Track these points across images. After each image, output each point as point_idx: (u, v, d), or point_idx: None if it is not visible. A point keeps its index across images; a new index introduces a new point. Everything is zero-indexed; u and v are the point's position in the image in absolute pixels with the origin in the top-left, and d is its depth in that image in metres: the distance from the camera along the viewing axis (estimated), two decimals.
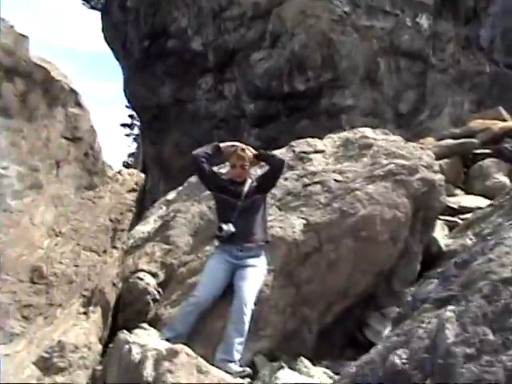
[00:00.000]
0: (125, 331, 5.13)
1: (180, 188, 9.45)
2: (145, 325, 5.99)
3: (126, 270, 7.27)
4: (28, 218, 6.54)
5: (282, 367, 5.60)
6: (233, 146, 6.72)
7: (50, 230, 6.53)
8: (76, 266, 6.11)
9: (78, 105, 7.82)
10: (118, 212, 6.93)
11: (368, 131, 8.80)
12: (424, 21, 20.42)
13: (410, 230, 6.94)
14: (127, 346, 4.75)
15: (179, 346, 4.47)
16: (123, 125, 37.30)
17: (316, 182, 7.64)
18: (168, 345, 4.66)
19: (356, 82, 20.46)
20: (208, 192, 8.49)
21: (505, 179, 10.92)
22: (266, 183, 6.69)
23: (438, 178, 7.29)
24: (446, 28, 20.69)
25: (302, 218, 6.97)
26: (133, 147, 37.32)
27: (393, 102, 20.43)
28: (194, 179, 9.29)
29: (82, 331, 5.64)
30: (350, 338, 6.91)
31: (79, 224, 6.65)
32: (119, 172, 7.57)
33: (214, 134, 21.82)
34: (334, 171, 7.78)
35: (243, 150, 6.66)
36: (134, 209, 7.17)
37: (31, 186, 7.07)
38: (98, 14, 26.27)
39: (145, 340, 4.81)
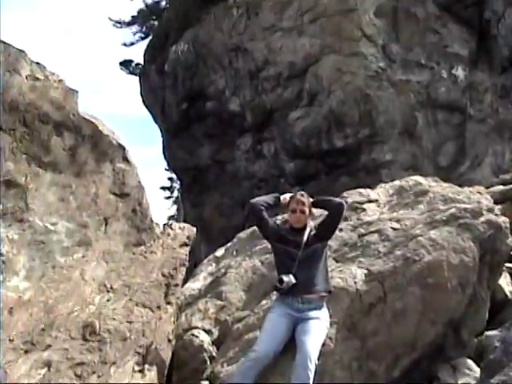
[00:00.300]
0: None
1: (228, 244, 9.10)
2: (206, 382, 5.56)
3: (179, 328, 6.88)
4: (79, 274, 6.26)
5: None
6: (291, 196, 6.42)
7: (102, 286, 6.23)
8: (129, 322, 5.76)
9: (126, 160, 7.60)
10: (170, 267, 6.60)
11: (420, 179, 8.43)
12: (460, 72, 20.10)
13: (478, 275, 6.48)
14: None
15: None
16: (163, 188, 37.10)
17: (372, 232, 7.26)
18: None
19: (394, 136, 20.09)
20: (260, 246, 8.18)
21: None
22: (326, 230, 6.32)
23: (503, 220, 6.85)
24: (482, 78, 20.34)
25: (363, 268, 6.56)
26: (173, 210, 37.07)
27: (432, 155, 19.99)
28: (243, 235, 8.99)
29: None
30: None
31: (131, 279, 6.33)
32: (170, 226, 7.27)
33: (255, 193, 21.36)
34: (390, 219, 7.39)
35: (303, 195, 6.32)
36: (187, 263, 6.83)
37: (80, 243, 6.82)
38: (135, 79, 26.45)
39: None
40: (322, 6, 20.06)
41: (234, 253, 8.53)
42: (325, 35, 20.07)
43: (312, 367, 5.50)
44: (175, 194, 36.21)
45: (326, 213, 6.55)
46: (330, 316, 6.03)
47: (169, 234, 7.07)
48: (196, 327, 6.96)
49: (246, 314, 7.02)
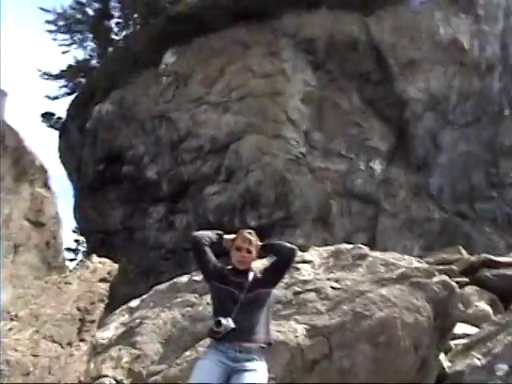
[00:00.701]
0: None
1: (144, 296, 8.07)
2: None
3: (86, 376, 5.80)
4: None
5: None
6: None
7: (5, 313, 5.16)
8: (34, 355, 4.70)
9: (47, 186, 6.66)
10: (87, 301, 5.62)
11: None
12: (377, 165, 20.11)
13: (429, 339, 5.76)
14: None
15: None
16: (68, 249, 35.13)
17: (309, 290, 6.48)
18: None
19: (308, 221, 19.72)
20: (180, 299, 7.27)
21: (487, 307, 10.06)
22: (274, 275, 5.47)
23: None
24: (397, 174, 20.41)
25: (303, 324, 5.74)
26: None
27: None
28: (161, 287, 8.01)
29: None
30: None
31: (40, 309, 5.30)
32: (89, 259, 6.29)
33: (162, 264, 20.56)
34: (328, 279, 6.64)
35: (250, 233, 5.49)
36: (106, 299, 5.85)
37: None
38: (55, 134, 25.37)
39: None
40: (250, 85, 19.87)
41: (151, 304, 7.53)
42: (250, 114, 19.81)
43: None
44: (79, 257, 34.37)
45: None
46: (269, 371, 5.12)
47: (87, 267, 6.09)
48: (106, 375, 5.90)
49: (163, 367, 6.04)
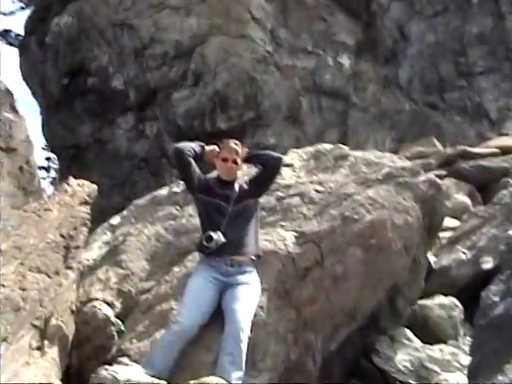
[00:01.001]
0: (107, 367, 3.54)
1: (124, 212, 7.86)
2: (124, 359, 4.41)
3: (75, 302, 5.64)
4: None
5: None
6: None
7: None
8: (22, 289, 4.50)
9: (14, 110, 6.30)
10: (69, 226, 5.38)
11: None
12: (345, 60, 19.71)
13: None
14: None
15: (215, 379, 2.94)
16: (40, 167, 34.47)
17: (293, 195, 6.32)
18: None
19: (278, 120, 19.44)
20: (162, 212, 7.09)
21: (466, 199, 10.07)
22: (260, 184, 5.32)
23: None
24: (366, 68, 20.05)
25: (291, 231, 5.60)
26: (50, 191, 34.60)
27: (315, 141, 19.31)
28: (141, 201, 7.80)
29: (40, 371, 4.01)
30: (351, 367, 5.55)
31: (22, 240, 5.07)
32: (67, 182, 6.02)
33: (135, 174, 20.27)
34: (311, 182, 6.48)
35: (236, 143, 5.27)
36: (88, 223, 5.62)
37: None
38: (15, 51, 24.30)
39: (139, 377, 3.24)
40: None
41: (133, 220, 7.34)
42: (213, 16, 19.15)
43: (245, 339, 4.52)
44: (52, 174, 33.78)
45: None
46: (261, 282, 5.02)
47: (66, 191, 5.83)
48: (96, 299, 5.77)
49: (152, 284, 5.93)
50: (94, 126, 20.75)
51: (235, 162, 5.18)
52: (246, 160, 5.37)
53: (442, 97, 20.26)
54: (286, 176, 6.90)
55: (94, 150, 20.74)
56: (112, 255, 6.62)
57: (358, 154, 6.91)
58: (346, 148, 7.14)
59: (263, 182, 5.35)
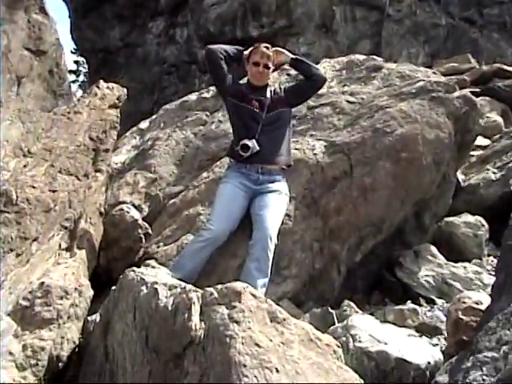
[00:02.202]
0: (135, 268, 3.55)
1: (153, 116, 7.80)
2: (151, 261, 4.43)
3: (104, 204, 5.66)
4: None
5: (329, 313, 4.22)
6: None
7: (17, 149, 4.92)
8: (53, 191, 4.50)
9: (43, 11, 6.13)
10: (99, 129, 5.32)
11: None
12: None
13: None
14: (147, 288, 3.17)
15: (240, 284, 2.93)
16: (69, 71, 34.34)
17: (324, 104, 6.19)
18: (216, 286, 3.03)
19: (310, 29, 19.01)
20: (191, 118, 7.01)
21: (498, 118, 9.83)
22: (297, 96, 5.16)
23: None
24: None
25: (321, 140, 5.51)
26: (79, 94, 34.55)
27: (347, 51, 18.97)
28: (170, 106, 7.71)
29: (69, 271, 4.05)
30: (374, 279, 5.56)
31: (52, 143, 5.05)
32: (97, 85, 5.93)
33: (164, 79, 20.11)
34: (343, 93, 6.32)
35: (267, 47, 5.10)
36: (118, 126, 5.57)
37: None
38: None
39: (166, 279, 3.25)
40: None
41: (162, 125, 7.27)
42: None
43: (272, 246, 4.48)
44: (81, 78, 33.65)
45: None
46: (289, 190, 4.97)
47: (96, 94, 5.74)
48: (124, 202, 5.78)
49: (180, 189, 5.92)
50: (123, 29, 20.52)
51: (266, 67, 5.01)
52: (291, 64, 5.21)
53: (481, 12, 19.56)
54: None
55: (123, 54, 20.56)
56: (140, 159, 6.60)
57: (392, 66, 6.72)
58: (379, 59, 6.93)
59: (302, 94, 5.20)
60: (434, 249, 5.66)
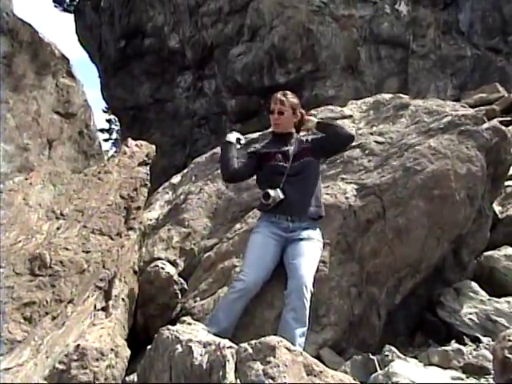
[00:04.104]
0: (169, 327, 3.53)
1: (185, 170, 7.85)
2: (187, 318, 4.42)
3: (138, 262, 5.68)
4: (21, 199, 5.03)
5: (370, 359, 4.13)
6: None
7: (50, 212, 5.00)
8: (86, 251, 4.54)
9: (70, 75, 6.28)
10: (130, 188, 5.39)
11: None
12: (403, 7, 19.12)
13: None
14: (181, 347, 3.14)
15: (275, 339, 2.89)
16: (101, 130, 34.81)
17: (353, 147, 6.13)
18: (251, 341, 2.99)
19: (337, 72, 19.11)
20: None
21: None
22: (324, 151, 5.12)
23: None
24: (424, 13, 19.41)
25: (352, 183, 5.48)
26: (111, 153, 35.04)
27: (375, 91, 19.01)
28: (200, 159, 7.75)
29: (105, 332, 4.05)
30: (415, 321, 5.46)
31: (84, 203, 5.12)
32: (126, 144, 6.02)
33: (196, 132, 20.34)
34: (371, 133, 6.30)
35: (285, 94, 5.09)
36: (148, 183, 5.62)
37: (21, 168, 5.54)
38: (71, 17, 24.36)
39: (201, 336, 3.22)
40: None
41: (193, 178, 7.30)
42: None
43: (308, 295, 4.40)
44: (114, 135, 34.19)
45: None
46: (322, 237, 4.92)
47: (125, 153, 5.83)
48: (159, 258, 5.79)
49: (214, 242, 5.90)
50: (152, 86, 20.89)
51: (281, 113, 5.02)
52: (317, 128, 5.21)
53: (506, 40, 19.46)
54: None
55: (153, 110, 20.89)
56: (174, 214, 6.62)
57: (419, 102, 6.67)
58: (405, 97, 6.90)
59: (328, 152, 5.19)
60: (475, 285, 5.54)
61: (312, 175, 4.96)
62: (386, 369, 3.77)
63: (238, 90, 19.45)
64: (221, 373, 2.74)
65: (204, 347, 3.01)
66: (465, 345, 4.94)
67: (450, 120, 5.70)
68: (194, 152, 18.75)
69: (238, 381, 2.69)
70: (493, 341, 4.88)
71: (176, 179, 7.72)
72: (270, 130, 5.53)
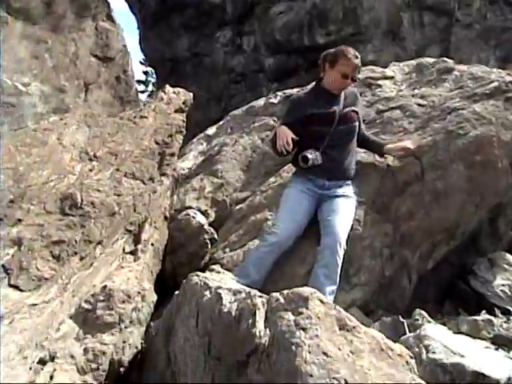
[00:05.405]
0: (198, 273, 3.43)
1: (221, 122, 7.72)
2: (217, 267, 4.31)
3: (170, 209, 5.58)
4: (55, 138, 4.93)
5: (399, 322, 4.02)
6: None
7: (83, 153, 4.91)
8: (118, 194, 4.45)
9: (110, 19, 6.15)
10: (165, 134, 5.26)
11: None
12: None
13: None
14: (210, 293, 3.04)
15: (308, 290, 2.78)
16: (138, 81, 34.48)
17: (394, 108, 5.95)
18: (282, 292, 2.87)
19: (378, 36, 18.67)
20: (259, 123, 6.91)
21: None
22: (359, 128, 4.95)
23: None
24: None
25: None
26: None
27: (416, 57, 18.63)
28: (237, 112, 7.63)
29: (132, 275, 3.97)
30: (446, 288, 5.31)
31: (118, 147, 5.02)
32: (163, 90, 5.89)
33: (232, 88, 20.11)
34: (413, 96, 6.08)
35: (357, 56, 4.80)
36: (184, 130, 5.49)
37: (56, 110, 5.44)
38: None
39: (230, 284, 3.12)
40: None
41: (229, 130, 7.19)
42: None
43: (341, 252, 4.29)
44: (150, 88, 33.94)
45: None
46: (359, 195, 4.76)
47: (162, 99, 5.70)
48: (190, 207, 5.71)
49: (247, 194, 5.82)
50: (191, 39, 20.60)
51: (354, 80, 4.80)
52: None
53: None
54: (386, 88, 6.55)
55: (191, 64, 20.65)
56: (207, 165, 6.54)
57: (464, 68, 6.42)
58: (450, 61, 6.66)
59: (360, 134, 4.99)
60: (509, 257, 5.38)
61: (354, 140, 4.79)
62: (418, 332, 3.65)
63: (277, 49, 19.14)
64: (250, 321, 2.64)
65: (234, 295, 2.91)
66: (495, 316, 4.80)
67: (496, 86, 5.46)
68: (229, 107, 18.52)
69: (268, 330, 2.58)
70: None
71: (211, 131, 7.60)
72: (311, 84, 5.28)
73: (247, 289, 2.97)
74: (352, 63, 4.64)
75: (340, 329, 2.57)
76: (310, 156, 4.49)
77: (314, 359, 2.31)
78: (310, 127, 4.59)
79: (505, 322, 4.68)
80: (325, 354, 2.36)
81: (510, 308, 4.94)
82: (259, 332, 2.58)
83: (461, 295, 5.22)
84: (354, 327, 2.62)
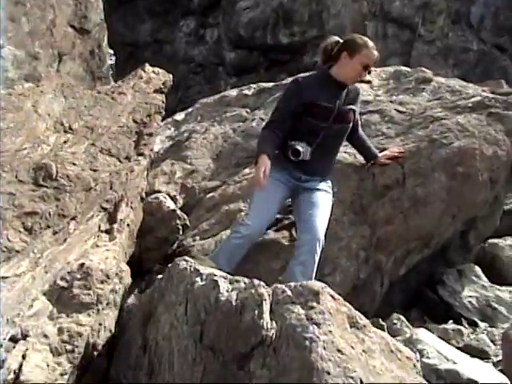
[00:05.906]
0: (187, 258, 3.25)
1: (189, 109, 7.52)
2: (187, 257, 4.12)
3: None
4: (31, 105, 4.66)
5: (380, 325, 3.94)
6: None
7: (58, 124, 4.67)
8: (94, 170, 4.22)
9: None
10: (144, 113, 5.06)
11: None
12: None
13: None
14: (202, 280, 2.86)
15: (318, 284, 2.63)
16: None
17: (372, 111, 5.88)
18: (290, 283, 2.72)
19: None
20: (231, 113, 6.76)
21: None
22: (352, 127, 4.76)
23: None
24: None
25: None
26: None
27: (376, 68, 18.76)
28: (207, 100, 7.45)
29: (110, 254, 3.76)
30: (413, 295, 5.27)
31: (95, 121, 4.78)
32: (142, 69, 5.67)
33: (190, 78, 19.87)
34: (391, 102, 6.03)
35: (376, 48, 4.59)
36: (163, 111, 5.29)
37: (28, 77, 5.18)
38: None
39: (219, 272, 2.95)
40: None
41: (199, 118, 7.01)
42: None
43: (319, 250, 4.12)
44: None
45: None
46: (335, 192, 4.60)
47: (141, 77, 5.48)
48: (159, 191, 5.52)
49: (216, 184, 5.66)
50: (154, 25, 20.30)
51: (369, 72, 4.65)
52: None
53: None
54: (363, 92, 6.45)
55: (151, 50, 20.31)
56: (175, 150, 6.39)
57: (441, 79, 6.41)
58: (428, 72, 6.63)
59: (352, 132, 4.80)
60: (478, 269, 5.40)
61: (342, 142, 4.65)
62: (409, 335, 3.57)
63: (239, 44, 19.02)
64: (256, 312, 2.48)
65: (230, 283, 2.74)
66: (463, 327, 4.78)
67: (478, 100, 5.45)
68: (186, 97, 18.38)
69: (274, 323, 2.43)
70: (490, 327, 4.75)
71: (179, 116, 7.41)
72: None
73: (245, 278, 2.81)
74: (374, 54, 4.47)
75: (351, 326, 2.45)
76: (301, 150, 4.30)
77: (329, 356, 2.17)
78: (307, 118, 4.37)
79: (471, 332, 4.67)
80: (339, 351, 2.22)
81: (476, 320, 4.93)
82: (266, 324, 2.43)
83: (428, 303, 5.20)
84: (364, 326, 2.50)
